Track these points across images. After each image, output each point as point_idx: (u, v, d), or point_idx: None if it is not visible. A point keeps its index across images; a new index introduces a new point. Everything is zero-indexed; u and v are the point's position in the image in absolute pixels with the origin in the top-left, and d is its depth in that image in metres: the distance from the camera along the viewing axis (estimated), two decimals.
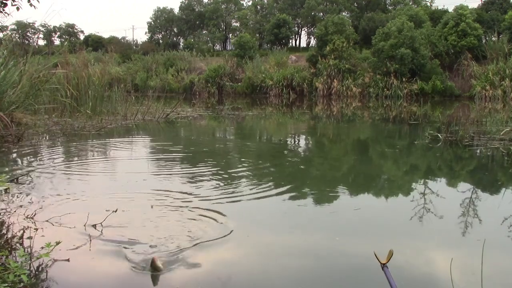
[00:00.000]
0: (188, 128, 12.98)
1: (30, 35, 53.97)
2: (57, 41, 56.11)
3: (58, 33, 57.00)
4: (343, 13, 40.87)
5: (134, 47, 50.38)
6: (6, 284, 2.53)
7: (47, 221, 3.86)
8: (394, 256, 2.13)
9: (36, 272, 2.94)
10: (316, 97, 27.44)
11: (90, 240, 3.47)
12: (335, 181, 6.16)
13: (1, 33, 15.88)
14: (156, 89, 25.32)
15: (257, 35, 44.20)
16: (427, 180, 6.26)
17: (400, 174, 6.78)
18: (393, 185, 6.14)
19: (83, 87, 12.52)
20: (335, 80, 27.58)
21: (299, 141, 10.83)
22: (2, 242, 3.37)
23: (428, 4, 36.80)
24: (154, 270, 2.88)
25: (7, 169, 6.13)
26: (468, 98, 24.29)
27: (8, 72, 9.59)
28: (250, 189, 5.18)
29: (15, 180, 5.35)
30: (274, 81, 28.95)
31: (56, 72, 12.25)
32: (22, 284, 2.61)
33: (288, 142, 10.40)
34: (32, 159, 6.98)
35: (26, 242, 3.32)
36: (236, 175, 6.07)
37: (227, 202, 4.64)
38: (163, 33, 56.28)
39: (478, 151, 8.30)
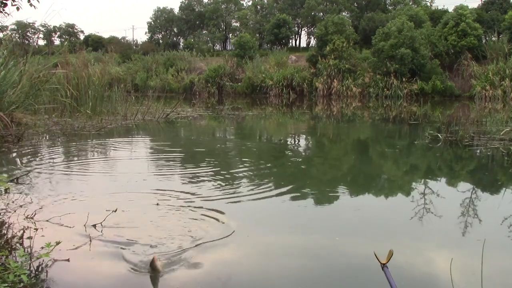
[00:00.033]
0: (188, 128, 12.98)
1: (30, 35, 54.01)
2: (57, 41, 56.19)
3: (58, 33, 57.03)
4: (343, 13, 40.87)
5: (134, 47, 50.39)
6: (6, 284, 2.53)
7: (47, 221, 3.86)
8: (394, 256, 2.13)
9: (36, 272, 2.94)
10: (316, 97, 27.44)
11: (90, 240, 3.47)
12: (335, 181, 6.16)
13: (1, 33, 15.89)
14: (156, 89, 25.32)
15: (257, 35, 44.21)
16: (427, 180, 6.26)
17: (400, 174, 6.78)
18: (393, 185, 6.13)
19: (83, 87, 12.52)
20: (335, 80, 27.58)
21: (299, 141, 10.83)
22: (2, 242, 3.37)
23: (428, 4, 36.83)
24: (153, 270, 2.88)
25: (7, 169, 6.13)
26: (468, 98, 24.29)
27: (8, 72, 9.59)
28: (250, 189, 5.18)
29: (15, 180, 5.35)
30: (274, 81, 28.95)
31: (56, 72, 12.25)
32: (22, 284, 2.61)
33: (288, 142, 10.40)
34: (32, 159, 6.98)
35: (26, 242, 3.32)
36: (236, 175, 6.07)
37: (227, 202, 4.64)
38: (163, 33, 56.29)
39: (478, 151, 8.30)
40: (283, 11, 43.95)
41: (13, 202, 4.49)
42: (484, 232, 3.87)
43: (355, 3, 42.47)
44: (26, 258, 2.89)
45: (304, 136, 11.89)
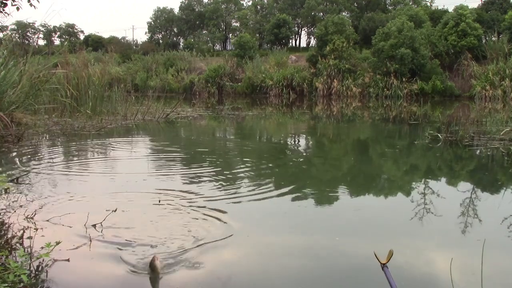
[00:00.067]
0: (188, 128, 12.98)
1: (30, 35, 54.00)
2: (57, 41, 56.19)
3: (58, 33, 57.02)
4: (343, 13, 40.87)
5: (134, 47, 50.39)
6: (6, 284, 2.53)
7: (47, 221, 3.86)
8: (394, 256, 2.13)
9: (36, 272, 2.94)
10: (316, 97, 27.44)
11: (90, 240, 3.47)
12: (335, 181, 6.16)
13: (1, 33, 15.89)
14: (156, 89, 25.32)
15: (257, 35, 44.21)
16: (427, 180, 6.26)
17: (400, 174, 6.78)
18: (393, 185, 6.13)
19: (83, 87, 12.52)
20: (335, 80, 27.57)
21: (299, 141, 10.83)
22: (2, 242, 3.37)
23: (428, 4, 36.82)
24: (153, 269, 2.87)
25: (7, 169, 6.13)
26: (468, 98, 24.29)
27: (8, 72, 9.59)
28: (251, 189, 5.18)
29: (15, 180, 5.35)
30: (274, 81, 28.95)
31: (56, 72, 12.25)
32: (22, 284, 2.61)
33: (288, 142, 10.40)
34: (32, 159, 6.98)
35: (26, 242, 3.32)
36: (236, 175, 6.07)
37: (227, 202, 4.64)
38: (163, 33, 56.29)
39: (478, 151, 8.30)
40: (283, 11, 43.95)
41: (13, 202, 4.49)
42: (484, 232, 3.87)
43: (355, 3, 42.47)
44: (26, 258, 2.89)
45: (304, 136, 11.89)
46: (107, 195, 4.83)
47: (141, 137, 10.86)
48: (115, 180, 5.81)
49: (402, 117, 15.85)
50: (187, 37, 53.24)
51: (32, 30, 53.78)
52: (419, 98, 23.15)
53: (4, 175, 4.80)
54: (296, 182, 5.76)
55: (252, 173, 6.23)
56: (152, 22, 55.20)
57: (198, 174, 6.00)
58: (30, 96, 10.33)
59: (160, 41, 53.85)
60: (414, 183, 6.17)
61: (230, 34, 49.69)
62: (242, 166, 6.78)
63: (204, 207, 4.40)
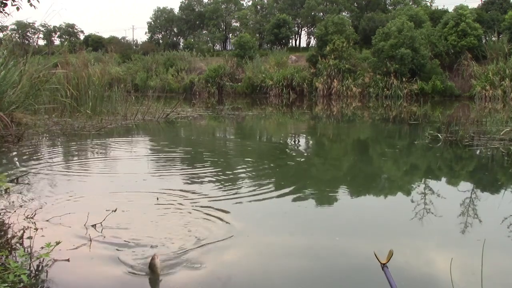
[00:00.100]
0: (188, 128, 12.98)
1: (30, 35, 54.00)
2: (57, 41, 56.18)
3: (58, 33, 57.02)
4: (343, 13, 40.87)
5: (134, 47, 50.39)
6: (6, 284, 2.53)
7: (47, 221, 3.86)
8: (394, 256, 2.13)
9: (36, 272, 2.94)
10: (316, 97, 27.44)
11: (90, 240, 3.47)
12: (335, 181, 6.16)
13: (1, 33, 15.88)
14: (156, 89, 25.31)
15: (257, 35, 44.20)
16: (427, 180, 6.26)
17: (400, 174, 6.78)
18: (393, 185, 6.13)
19: (83, 87, 12.52)
20: (335, 80, 27.57)
21: (299, 141, 10.83)
22: (2, 242, 3.37)
23: (428, 4, 36.81)
24: (153, 268, 2.87)
25: (7, 169, 6.13)
26: (468, 98, 24.29)
27: (8, 72, 9.60)
28: (251, 189, 5.18)
29: (15, 180, 5.35)
30: (274, 81, 28.95)
31: (56, 72, 12.25)
32: (22, 284, 2.61)
33: (288, 142, 10.40)
34: (32, 159, 6.98)
35: (26, 242, 3.32)
36: (236, 175, 6.07)
37: (227, 202, 4.64)
38: (163, 33, 56.29)
39: (478, 151, 8.30)
40: (283, 11, 43.95)
41: (13, 202, 4.49)
42: (484, 232, 3.87)
43: (355, 3, 42.47)
44: (26, 258, 2.89)
45: (304, 136, 11.89)
46: (107, 195, 4.83)
47: (141, 137, 10.86)
48: (115, 180, 5.81)
49: (402, 117, 15.85)
50: (187, 37, 53.25)
51: (32, 30, 53.81)
52: (419, 98, 23.15)
53: (4, 175, 4.80)
54: (296, 182, 5.76)
55: (252, 173, 6.23)
56: (152, 22, 55.20)
57: (198, 174, 6.00)
58: (30, 96, 10.33)
59: (160, 41, 53.85)
60: (414, 183, 6.17)
61: (230, 34, 49.69)
62: (242, 166, 6.78)
63: (204, 207, 4.40)
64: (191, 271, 2.99)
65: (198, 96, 31.01)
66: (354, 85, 27.08)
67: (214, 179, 5.70)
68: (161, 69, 35.50)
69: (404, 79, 25.55)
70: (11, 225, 3.78)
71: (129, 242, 3.45)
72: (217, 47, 51.37)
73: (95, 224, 3.78)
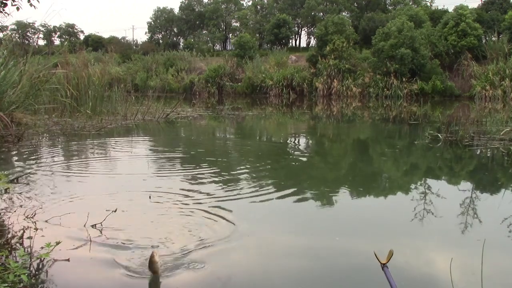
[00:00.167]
0: (188, 128, 12.98)
1: (30, 35, 54.00)
2: (57, 41, 56.17)
3: (58, 33, 57.01)
4: (343, 13, 40.86)
5: (134, 47, 50.38)
6: (6, 284, 2.53)
7: (47, 221, 3.86)
8: (394, 256, 2.13)
9: (36, 272, 2.94)
10: (316, 97, 27.44)
11: (90, 240, 3.47)
12: (335, 181, 6.16)
13: (1, 33, 15.88)
14: (156, 89, 25.31)
15: (257, 35, 44.19)
16: (427, 180, 6.26)
17: (400, 174, 6.79)
18: (393, 185, 6.13)
19: (83, 87, 12.52)
20: (335, 80, 27.57)
21: (299, 141, 10.83)
22: (2, 242, 3.37)
23: (428, 4, 36.80)
24: (152, 265, 2.86)
25: (7, 169, 6.13)
26: (468, 98, 24.28)
27: (8, 72, 9.60)
28: (251, 190, 5.18)
29: (15, 180, 5.35)
30: (274, 81, 28.94)
31: (56, 72, 12.25)
32: (22, 284, 2.61)
33: (288, 142, 10.40)
34: (32, 159, 6.98)
35: (26, 242, 3.32)
36: (236, 175, 6.07)
37: (227, 202, 4.64)
38: (163, 33, 56.28)
39: (478, 151, 8.30)
40: (283, 11, 43.94)
41: (13, 202, 4.49)
42: (484, 232, 3.87)
43: (355, 3, 42.46)
44: (26, 258, 2.89)
45: (304, 136, 11.89)
46: (107, 195, 4.83)
47: (141, 137, 10.86)
48: (115, 180, 5.81)
49: (402, 117, 15.85)
50: (187, 37, 53.24)
51: (32, 30, 53.81)
52: (419, 98, 23.14)
53: (4, 175, 4.80)
54: (296, 182, 5.76)
55: (252, 173, 6.23)
56: (152, 22, 55.19)
57: (198, 174, 6.00)
58: (30, 96, 10.33)
59: (160, 41, 53.84)
60: (414, 183, 6.17)
61: (230, 34, 49.69)
62: (242, 166, 6.78)
63: (204, 207, 4.40)
64: (191, 271, 2.99)
65: (198, 96, 31.01)
66: (354, 85, 27.08)
67: (214, 179, 5.70)
68: (161, 69, 35.50)
69: (404, 79, 25.54)
70: (11, 225, 3.78)
71: (129, 242, 3.45)
72: (217, 47, 51.37)
73: (95, 224, 3.78)
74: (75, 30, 58.18)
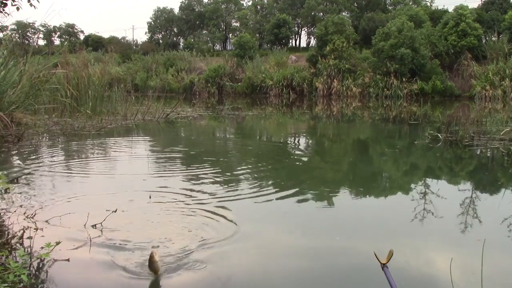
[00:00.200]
0: (188, 128, 12.98)
1: (30, 35, 53.99)
2: (57, 41, 56.17)
3: (58, 33, 57.01)
4: (343, 13, 40.86)
5: (134, 47, 50.37)
6: (6, 284, 2.53)
7: (47, 221, 3.86)
8: (394, 256, 2.13)
9: (36, 272, 2.94)
10: (316, 97, 27.44)
11: (90, 240, 3.47)
12: (335, 181, 6.16)
13: (1, 33, 15.88)
14: (156, 89, 25.30)
15: (257, 35, 44.19)
16: (427, 180, 6.26)
17: (400, 174, 6.78)
18: (393, 185, 6.14)
19: (83, 87, 12.52)
20: (335, 80, 27.57)
21: (299, 141, 10.83)
22: (2, 242, 3.36)
23: (428, 4, 36.79)
24: (151, 265, 2.87)
25: (7, 169, 6.13)
26: (468, 98, 24.28)
27: (8, 72, 9.59)
28: (250, 190, 5.18)
29: (15, 180, 5.35)
30: (274, 81, 28.94)
31: (56, 72, 12.25)
32: (22, 284, 2.61)
33: (288, 142, 10.40)
34: (32, 159, 6.98)
35: (26, 242, 3.32)
36: (236, 175, 6.07)
37: (227, 202, 4.64)
38: (163, 33, 56.28)
39: (478, 151, 8.30)
40: (283, 11, 43.94)
41: (13, 202, 4.49)
42: (484, 232, 3.87)
43: (355, 3, 42.46)
44: (26, 258, 2.89)
45: (304, 136, 11.89)
46: (107, 195, 4.83)
47: (141, 137, 10.85)
48: (115, 180, 5.81)
49: (402, 117, 15.85)
50: (187, 37, 53.24)
51: (32, 30, 53.80)
52: (419, 98, 23.14)
53: (4, 175, 4.80)
54: (296, 182, 5.76)
55: (252, 173, 6.23)
56: (152, 22, 55.19)
57: (198, 174, 6.00)
58: (30, 96, 10.33)
59: (160, 41, 53.85)
60: (414, 183, 6.17)
61: (230, 34, 49.68)
62: (242, 166, 6.79)
63: (204, 207, 4.40)
64: (191, 271, 2.99)
65: (198, 96, 31.01)
66: (354, 85, 27.08)
67: (214, 179, 5.70)
68: (161, 69, 35.50)
69: (404, 79, 25.54)
70: (11, 225, 3.78)
71: (129, 242, 3.45)
72: (217, 47, 51.37)
73: (95, 224, 3.78)
74: (75, 30, 58.20)
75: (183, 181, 5.70)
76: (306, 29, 48.11)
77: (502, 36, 26.62)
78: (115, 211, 3.93)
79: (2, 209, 4.24)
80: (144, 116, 13.31)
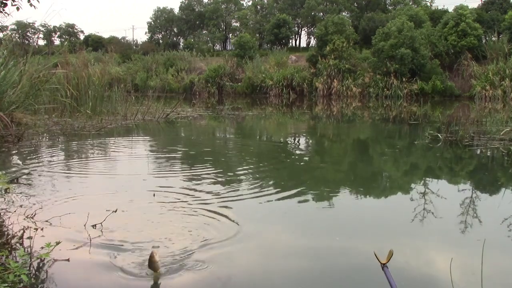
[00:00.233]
0: (188, 128, 12.98)
1: (30, 35, 53.98)
2: (57, 41, 56.16)
3: (58, 33, 57.01)
4: (343, 13, 40.86)
5: (134, 47, 50.37)
6: (6, 284, 2.53)
7: (47, 221, 3.85)
8: (394, 256, 2.13)
9: (36, 272, 2.94)
10: (316, 97, 27.44)
11: (90, 240, 3.47)
12: (335, 181, 6.16)
13: (1, 33, 15.89)
14: (156, 89, 25.30)
15: (257, 35, 44.19)
16: (427, 180, 6.27)
17: (400, 174, 6.78)
18: (393, 185, 6.14)
19: (83, 87, 12.52)
20: (335, 80, 27.57)
21: (299, 141, 10.83)
22: (2, 242, 3.36)
23: (428, 4, 36.80)
24: (151, 265, 2.87)
25: (7, 169, 6.13)
26: (468, 98, 24.29)
27: (8, 72, 9.59)
28: (251, 190, 5.18)
29: (15, 180, 5.35)
30: (274, 81, 28.94)
31: (56, 72, 12.25)
32: (22, 284, 2.61)
33: (288, 142, 10.40)
34: (32, 159, 6.98)
35: (26, 242, 3.32)
36: (236, 175, 6.07)
37: (227, 202, 4.64)
38: (163, 33, 56.28)
39: (478, 151, 8.30)
40: (283, 11, 43.94)
41: (13, 202, 4.49)
42: (484, 232, 3.87)
43: (355, 3, 42.46)
44: (26, 258, 2.89)
45: (304, 136, 11.89)
46: (107, 195, 4.83)
47: (141, 137, 10.85)
48: (115, 180, 5.81)
49: (402, 117, 15.85)
50: (187, 37, 53.24)
51: (32, 30, 53.80)
52: (419, 98, 23.14)
53: (4, 175, 4.80)
54: (296, 182, 5.76)
55: (252, 173, 6.23)
56: (152, 22, 55.19)
57: (198, 174, 6.00)
58: (30, 96, 10.33)
59: (160, 41, 53.84)
60: (414, 183, 6.17)
61: (230, 34, 49.69)
62: (242, 166, 6.78)
63: (204, 207, 4.40)
64: (191, 271, 2.99)
65: (198, 96, 31.01)
66: (354, 85, 27.08)
67: (214, 179, 5.70)
68: (161, 69, 35.50)
69: (404, 79, 25.54)
70: (11, 225, 3.78)
71: (129, 242, 3.45)
72: (217, 47, 51.37)
73: (95, 224, 3.78)
74: (75, 30, 58.19)
75: (183, 181, 5.69)
76: (306, 29, 48.13)
77: (502, 36, 26.62)
78: (115, 211, 3.93)
79: (2, 209, 4.24)
80: (144, 116, 13.31)
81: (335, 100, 25.18)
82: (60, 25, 55.70)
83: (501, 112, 16.38)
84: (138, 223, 3.93)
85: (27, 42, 49.37)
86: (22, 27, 50.41)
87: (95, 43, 49.07)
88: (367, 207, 4.81)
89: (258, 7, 48.53)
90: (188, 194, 4.89)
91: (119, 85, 15.93)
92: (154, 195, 4.74)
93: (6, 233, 3.62)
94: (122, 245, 3.40)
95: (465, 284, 2.83)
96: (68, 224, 3.81)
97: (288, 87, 28.83)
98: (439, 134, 9.49)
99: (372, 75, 26.97)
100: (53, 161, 6.83)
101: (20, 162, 6.73)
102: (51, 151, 8.00)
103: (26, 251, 3.08)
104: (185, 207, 4.41)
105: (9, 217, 3.96)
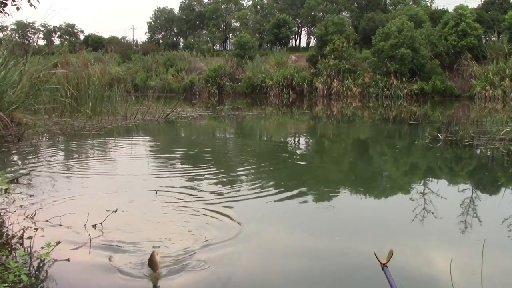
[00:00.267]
0: (188, 128, 12.98)
1: (30, 35, 53.98)
2: (57, 41, 56.16)
3: (58, 33, 57.00)
4: (343, 13, 40.86)
5: (134, 47, 50.37)
6: (6, 284, 2.53)
7: (47, 221, 3.85)
8: (394, 256, 2.13)
9: (36, 272, 2.94)
10: (316, 97, 27.44)
11: (90, 240, 3.47)
12: (335, 181, 6.16)
13: (1, 33, 15.89)
14: (156, 89, 25.30)
15: (257, 35, 44.19)
16: (427, 180, 6.27)
17: (400, 174, 6.78)
18: (393, 185, 6.14)
19: (83, 87, 12.52)
20: (335, 80, 27.57)
21: (299, 141, 10.83)
22: (2, 242, 3.36)
23: (428, 4, 36.81)
24: (152, 265, 2.87)
25: (7, 169, 6.13)
26: (468, 98, 24.28)
27: (8, 72, 9.59)
28: (251, 190, 5.18)
29: (15, 180, 5.35)
30: (274, 81, 28.94)
31: (56, 72, 12.25)
32: (22, 284, 2.61)
33: (288, 142, 10.40)
34: (32, 159, 6.98)
35: (26, 242, 3.32)
36: (236, 175, 6.07)
37: (227, 202, 4.64)
38: (163, 33, 56.28)
39: (478, 151, 8.30)
40: (283, 11, 43.94)
41: (13, 202, 4.49)
42: (484, 232, 3.87)
43: (355, 3, 42.46)
44: (26, 258, 2.89)
45: (304, 136, 11.90)
46: (107, 195, 4.83)
47: (141, 137, 10.85)
48: (115, 180, 5.81)
49: (402, 117, 15.85)
50: (187, 37, 53.24)
51: (32, 30, 53.80)
52: (419, 98, 23.14)
53: (4, 175, 4.80)
54: (296, 182, 5.76)
55: (252, 173, 6.23)
56: (152, 22, 55.19)
57: (198, 174, 6.00)
58: (30, 96, 10.32)
59: (160, 41, 53.84)
60: (414, 183, 6.17)
61: (230, 34, 49.69)
62: (242, 166, 6.78)
63: (204, 207, 4.40)
64: (191, 271, 2.99)
65: (198, 96, 31.01)
66: (354, 85, 27.08)
67: (214, 180, 5.70)
68: (161, 69, 35.50)
69: (404, 79, 25.55)
70: (11, 225, 3.78)
71: (129, 242, 3.45)
72: (217, 47, 51.37)
73: (95, 224, 3.78)
74: (75, 30, 58.19)
75: (183, 181, 5.69)
76: (306, 29, 48.14)
77: (502, 36, 26.62)
78: (115, 211, 3.93)
79: (2, 209, 4.24)
80: (144, 116, 13.31)
81: (335, 100, 25.18)
82: (60, 25, 55.77)
83: (501, 112, 16.38)
84: (138, 223, 3.93)
85: (27, 42, 49.38)
86: (22, 27, 50.42)
87: (95, 43, 49.07)
88: (367, 207, 4.81)
89: (258, 7, 48.53)
90: (188, 194, 4.89)
91: (119, 85, 15.93)
92: (156, 193, 4.75)
93: (6, 233, 3.62)
94: (122, 245, 3.40)
95: (465, 284, 2.83)
96: (68, 224, 3.81)
97: (288, 87, 28.83)
98: (439, 134, 9.49)
99: (372, 75, 26.97)
100: (53, 161, 6.83)
101: (20, 162, 6.73)
102: (51, 151, 8.00)
103: (26, 251, 3.08)
104: (185, 207, 4.41)
105: (9, 217, 3.96)
